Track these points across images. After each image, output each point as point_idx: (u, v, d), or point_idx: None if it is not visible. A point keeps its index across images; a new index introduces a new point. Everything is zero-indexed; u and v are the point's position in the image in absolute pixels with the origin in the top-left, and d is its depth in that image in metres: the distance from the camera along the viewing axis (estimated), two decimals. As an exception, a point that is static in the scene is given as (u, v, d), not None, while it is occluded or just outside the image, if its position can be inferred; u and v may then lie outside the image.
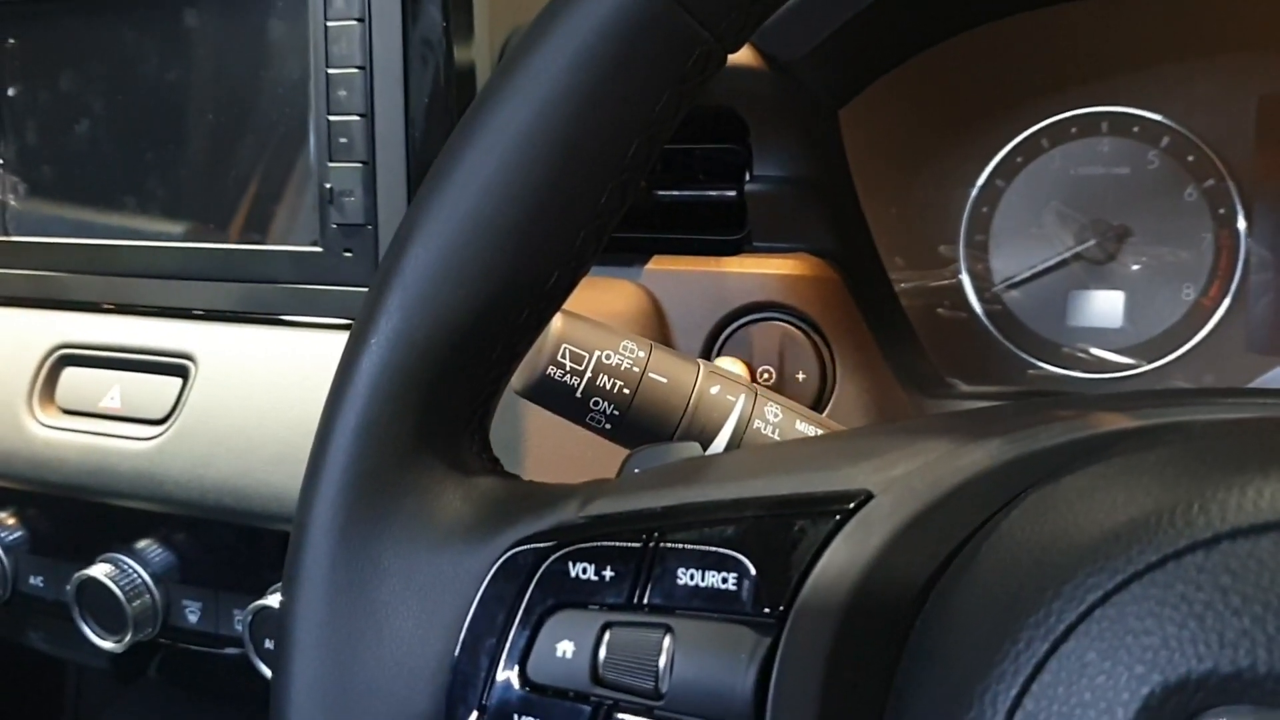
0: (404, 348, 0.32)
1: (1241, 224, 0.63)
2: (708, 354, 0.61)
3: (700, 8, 0.31)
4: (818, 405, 0.59)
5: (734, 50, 0.33)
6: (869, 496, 0.29)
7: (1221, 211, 0.63)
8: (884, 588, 0.28)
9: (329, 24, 0.60)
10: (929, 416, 0.58)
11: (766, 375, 0.60)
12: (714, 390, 0.41)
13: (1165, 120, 0.64)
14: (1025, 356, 0.67)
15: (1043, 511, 0.27)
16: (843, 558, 0.28)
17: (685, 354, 0.43)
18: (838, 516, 0.29)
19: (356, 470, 0.32)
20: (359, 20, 0.59)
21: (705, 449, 0.39)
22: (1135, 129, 0.65)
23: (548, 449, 0.58)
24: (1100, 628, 0.24)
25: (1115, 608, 0.24)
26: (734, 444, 0.41)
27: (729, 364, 0.58)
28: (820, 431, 0.42)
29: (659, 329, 0.61)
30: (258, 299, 0.64)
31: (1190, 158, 0.64)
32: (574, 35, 0.31)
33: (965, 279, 0.69)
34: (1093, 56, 0.65)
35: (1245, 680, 0.22)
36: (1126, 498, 0.26)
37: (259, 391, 0.62)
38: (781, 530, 0.29)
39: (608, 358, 0.40)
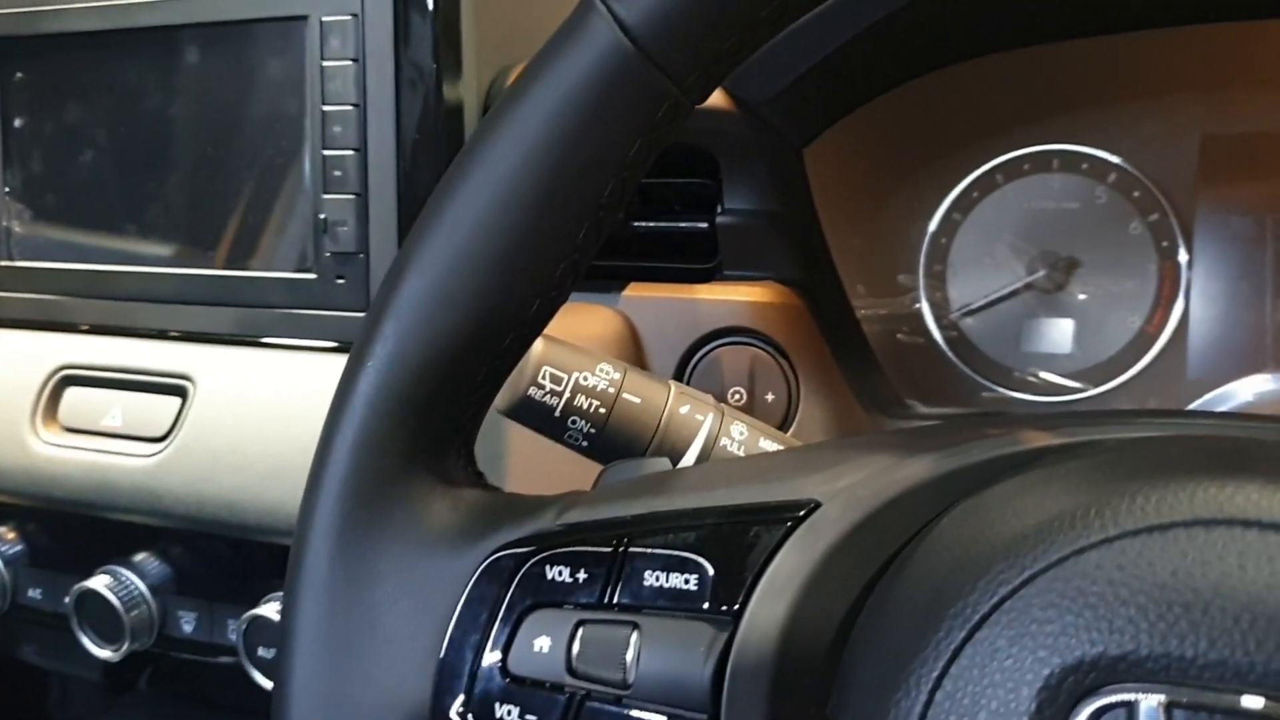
0: (398, 370, 0.34)
1: (1183, 256, 0.64)
2: (680, 376, 0.62)
3: (670, 65, 0.33)
4: (784, 425, 0.61)
5: (700, 102, 0.35)
6: (817, 505, 0.31)
7: (1164, 244, 0.65)
8: (829, 587, 0.30)
9: (325, 64, 0.61)
10: (876, 434, 0.59)
11: (737, 396, 0.61)
12: (684, 410, 0.43)
13: (1112, 158, 0.66)
14: (980, 380, 0.68)
15: (967, 517, 0.30)
16: (793, 561, 0.30)
17: (658, 376, 0.44)
18: (789, 523, 0.31)
19: (354, 482, 0.34)
20: (354, 60, 0.60)
21: (675, 465, 0.41)
22: (1084, 166, 0.67)
23: (529, 465, 0.59)
24: (1009, 617, 0.26)
25: (1022, 600, 0.26)
26: (702, 460, 0.42)
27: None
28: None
29: (635, 352, 0.62)
30: (254, 323, 0.65)
31: (1135, 193, 0.65)
32: (556, 87, 0.33)
33: (924, 306, 0.70)
34: (1044, 98, 0.67)
35: (1130, 661, 0.24)
36: (1036, 504, 0.28)
37: (255, 411, 0.63)
38: (738, 536, 0.31)
39: (585, 379, 0.42)
